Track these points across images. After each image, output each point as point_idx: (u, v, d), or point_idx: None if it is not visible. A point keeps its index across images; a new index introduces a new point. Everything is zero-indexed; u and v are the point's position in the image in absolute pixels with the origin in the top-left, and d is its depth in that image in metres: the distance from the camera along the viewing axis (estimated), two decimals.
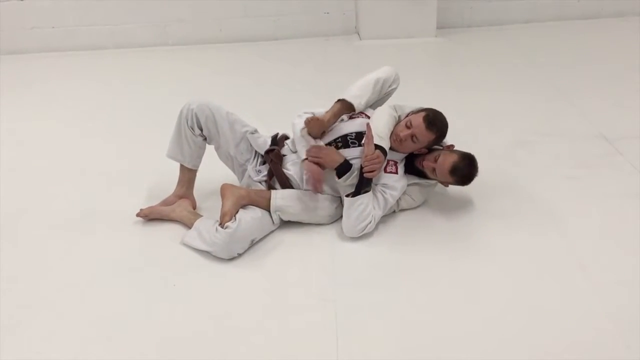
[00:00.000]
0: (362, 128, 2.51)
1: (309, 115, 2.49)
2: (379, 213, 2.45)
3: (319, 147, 2.45)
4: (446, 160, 2.44)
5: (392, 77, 2.60)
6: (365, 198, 2.39)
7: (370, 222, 2.40)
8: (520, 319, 2.03)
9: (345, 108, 2.53)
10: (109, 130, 3.54)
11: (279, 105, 3.62)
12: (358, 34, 4.98)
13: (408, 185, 2.57)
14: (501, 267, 2.27)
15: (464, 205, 2.65)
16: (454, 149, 2.55)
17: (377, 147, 2.39)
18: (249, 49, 4.83)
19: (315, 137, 2.50)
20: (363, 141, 2.46)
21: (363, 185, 2.39)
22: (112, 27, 4.88)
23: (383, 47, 4.70)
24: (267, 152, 2.59)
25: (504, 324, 2.01)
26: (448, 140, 2.62)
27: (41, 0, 4.75)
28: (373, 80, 2.56)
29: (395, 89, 2.63)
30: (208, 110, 2.52)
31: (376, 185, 2.47)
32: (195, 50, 4.83)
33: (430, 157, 2.49)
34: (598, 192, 2.70)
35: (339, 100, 2.54)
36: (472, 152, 2.52)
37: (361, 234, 2.42)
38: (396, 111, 2.56)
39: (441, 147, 2.58)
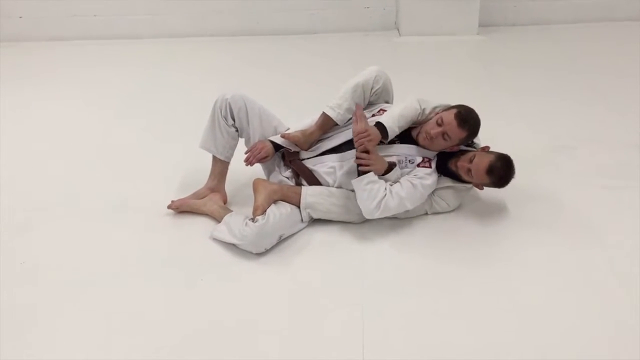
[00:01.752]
0: None
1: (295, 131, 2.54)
2: (402, 194, 2.36)
3: (363, 134, 2.37)
4: (482, 161, 2.38)
5: (371, 79, 2.52)
6: (371, 176, 2.36)
7: (385, 198, 2.33)
8: (553, 333, 1.97)
9: (328, 119, 2.51)
10: (144, 120, 3.56)
11: (314, 101, 3.55)
12: (398, 29, 4.90)
13: (442, 188, 2.51)
14: (533, 278, 2.21)
15: (497, 211, 2.58)
16: (490, 150, 2.48)
17: (378, 125, 2.38)
18: (286, 42, 4.80)
19: (304, 150, 2.56)
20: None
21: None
22: (151, 16, 4.91)
23: (423, 44, 4.62)
24: (282, 153, 2.60)
25: (535, 337, 1.95)
26: (483, 142, 2.56)
27: None
28: (352, 86, 2.51)
29: (380, 88, 2.54)
30: (242, 102, 2.54)
31: (405, 176, 2.42)
32: (232, 42, 4.83)
33: (465, 157, 2.43)
34: (638, 203, 2.60)
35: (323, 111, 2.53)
36: (510, 156, 2.45)
37: (381, 213, 2.35)
38: (420, 104, 2.50)
39: (475, 149, 2.52)
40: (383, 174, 2.41)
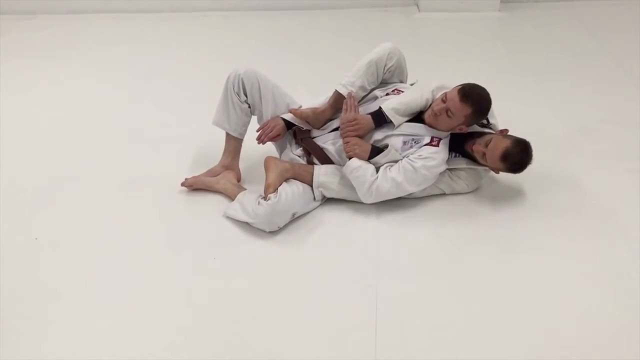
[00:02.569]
0: None
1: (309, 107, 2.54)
2: (398, 178, 2.33)
3: (352, 143, 2.40)
4: (498, 145, 2.31)
5: (384, 56, 2.47)
6: (355, 162, 2.36)
7: (375, 182, 2.33)
8: (570, 321, 1.93)
9: (341, 97, 2.48)
10: (158, 96, 3.53)
11: (330, 78, 3.50)
12: (417, 5, 4.80)
13: (460, 169, 2.47)
14: (551, 265, 2.17)
15: (515, 194, 2.53)
16: (508, 133, 2.41)
17: (375, 113, 2.40)
18: (304, 17, 4.72)
19: (317, 128, 2.55)
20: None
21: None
22: None
23: (442, 20, 4.52)
24: (294, 131, 2.58)
25: (551, 324, 1.92)
26: (503, 124, 2.49)
27: None
28: (365, 63, 2.47)
29: (394, 65, 2.49)
30: (254, 78, 2.52)
31: (409, 156, 2.38)
32: (249, 17, 4.76)
33: (482, 141, 2.36)
34: None
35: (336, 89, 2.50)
36: (529, 138, 2.38)
37: (376, 198, 2.36)
38: (433, 94, 2.45)
39: (493, 131, 2.45)
40: (371, 157, 2.38)
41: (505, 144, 2.31)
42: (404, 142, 2.41)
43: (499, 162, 2.32)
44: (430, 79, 2.53)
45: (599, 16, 4.51)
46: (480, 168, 2.47)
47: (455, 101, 2.30)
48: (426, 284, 2.09)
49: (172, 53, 4.15)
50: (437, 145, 2.40)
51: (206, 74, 3.73)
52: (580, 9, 4.65)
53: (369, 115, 2.42)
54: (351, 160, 2.39)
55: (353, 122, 2.39)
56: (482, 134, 2.42)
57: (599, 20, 4.45)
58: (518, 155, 2.32)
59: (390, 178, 2.34)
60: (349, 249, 2.27)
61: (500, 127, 2.48)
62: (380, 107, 2.41)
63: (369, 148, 2.41)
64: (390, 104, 2.41)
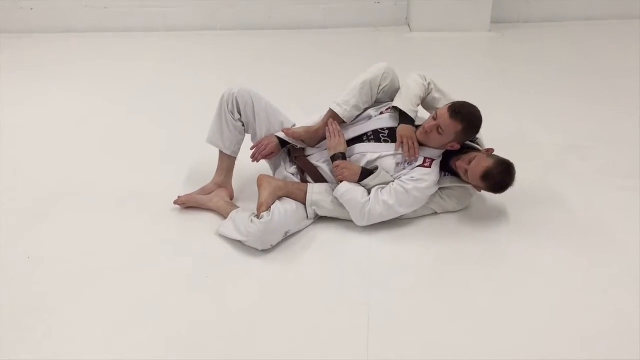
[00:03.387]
0: (395, 123, 2.48)
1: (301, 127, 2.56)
2: (390, 201, 2.35)
3: (341, 167, 2.43)
4: (480, 164, 2.32)
5: (379, 76, 2.50)
6: (345, 186, 2.39)
7: (367, 206, 2.35)
8: (562, 338, 1.94)
9: (335, 116, 2.50)
10: (153, 114, 3.55)
11: (324, 96, 3.53)
12: (409, 25, 4.86)
13: (450, 188, 2.49)
14: (544, 282, 2.17)
15: (506, 213, 2.54)
16: (493, 153, 2.43)
17: (401, 115, 2.44)
18: (297, 36, 4.77)
19: (312, 146, 2.56)
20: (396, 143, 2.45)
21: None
22: (163, 9, 4.90)
23: (434, 40, 4.58)
24: (288, 149, 2.60)
25: (543, 341, 1.93)
26: (493, 140, 2.52)
27: None
28: (360, 82, 2.49)
29: (388, 85, 2.52)
30: (249, 96, 2.54)
31: (401, 177, 2.40)
32: (243, 36, 4.81)
33: (466, 158, 2.38)
34: None
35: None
36: (519, 155, 2.41)
37: (369, 221, 2.39)
38: (425, 79, 2.51)
39: (479, 149, 2.48)
40: (361, 180, 2.41)
41: (487, 163, 2.32)
42: (397, 164, 2.43)
43: (480, 181, 2.34)
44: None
45: (588, 36, 4.59)
46: (469, 186, 2.49)
47: (445, 118, 2.33)
48: (418, 301, 2.10)
49: (167, 71, 4.18)
50: (430, 167, 2.41)
51: (200, 93, 3.76)
52: (569, 29, 4.72)
53: (360, 168, 2.43)
54: (341, 184, 2.41)
55: (340, 167, 2.41)
56: (467, 150, 2.44)
57: (587, 39, 4.52)
58: (499, 176, 2.33)
59: (382, 201, 2.35)
60: (342, 266, 2.27)
61: (487, 145, 2.50)
62: (377, 167, 2.44)
63: (358, 171, 2.42)
64: (399, 102, 2.46)
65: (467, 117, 2.34)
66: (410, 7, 4.79)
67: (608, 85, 3.75)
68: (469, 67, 4.14)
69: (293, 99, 3.26)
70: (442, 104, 2.47)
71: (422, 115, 2.57)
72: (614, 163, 2.89)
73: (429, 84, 2.52)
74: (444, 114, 2.33)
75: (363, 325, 1.99)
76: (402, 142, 2.41)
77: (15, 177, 2.90)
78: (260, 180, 2.45)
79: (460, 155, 2.41)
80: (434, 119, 2.36)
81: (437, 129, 2.34)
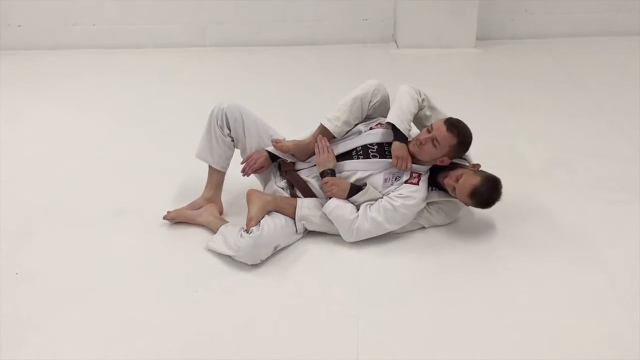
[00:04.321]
0: (384, 139, 2.50)
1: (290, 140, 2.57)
2: (378, 218, 2.37)
3: (330, 184, 2.44)
4: (467, 182, 2.35)
5: (369, 92, 2.53)
6: (333, 203, 2.40)
7: (356, 222, 2.36)
8: (550, 351, 1.95)
9: (326, 131, 2.52)
10: (142, 130, 3.56)
11: (312, 112, 3.57)
12: (395, 42, 4.92)
13: (438, 202, 2.51)
14: (531, 295, 2.19)
15: (494, 227, 2.57)
16: (479, 169, 2.46)
17: (394, 131, 2.43)
18: (286, 53, 4.81)
19: (302, 161, 2.57)
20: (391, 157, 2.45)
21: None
22: (151, 26, 4.92)
23: (420, 56, 4.64)
24: (279, 164, 2.61)
25: (530, 354, 1.94)
26: (481, 155, 2.56)
27: None
28: (351, 98, 2.52)
29: (378, 102, 2.55)
30: (238, 112, 2.55)
31: (389, 194, 2.42)
32: (231, 53, 4.84)
33: (453, 175, 2.41)
34: (638, 218, 2.59)
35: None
36: (506, 170, 2.44)
37: (357, 237, 2.40)
38: (420, 94, 2.53)
39: (466, 165, 2.51)
40: (350, 196, 2.42)
41: (475, 180, 2.35)
42: (385, 180, 2.45)
43: (467, 197, 2.37)
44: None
45: (571, 52, 4.67)
46: (456, 200, 2.51)
47: (442, 130, 2.36)
48: (407, 314, 2.11)
49: (155, 87, 4.19)
50: (417, 184, 2.44)
51: (189, 108, 3.77)
52: (553, 45, 4.80)
53: (349, 184, 2.44)
54: (330, 200, 2.42)
55: (328, 184, 2.42)
56: (455, 167, 2.47)
57: (570, 56, 4.60)
58: (487, 193, 2.37)
59: (371, 218, 2.37)
60: (331, 280, 2.28)
61: (474, 160, 2.54)
62: (366, 183, 2.45)
63: (347, 187, 2.44)
64: (394, 118, 2.45)
65: (462, 131, 2.39)
66: (397, 24, 4.85)
67: (592, 100, 3.82)
68: (454, 82, 4.19)
69: (282, 115, 3.28)
70: (432, 121, 2.50)
71: (414, 131, 2.59)
72: (600, 177, 2.93)
73: (422, 99, 2.55)
74: (441, 127, 2.37)
75: (353, 338, 2.00)
76: (397, 163, 2.42)
77: (4, 193, 2.89)
78: (250, 195, 2.46)
79: (448, 171, 2.44)
80: (429, 131, 2.40)
81: (433, 142, 2.37)
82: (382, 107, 2.58)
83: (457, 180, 2.37)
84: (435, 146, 2.38)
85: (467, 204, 2.45)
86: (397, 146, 2.44)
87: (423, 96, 2.55)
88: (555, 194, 2.78)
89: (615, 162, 3.05)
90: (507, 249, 2.43)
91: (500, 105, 3.79)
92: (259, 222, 2.35)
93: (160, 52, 4.87)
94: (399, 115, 2.46)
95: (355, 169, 2.48)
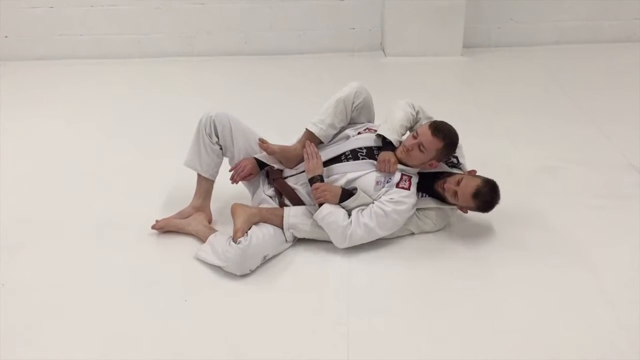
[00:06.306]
0: (373, 143, 2.51)
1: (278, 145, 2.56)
2: (371, 224, 2.36)
3: (321, 190, 2.42)
4: (469, 184, 2.38)
5: (352, 94, 2.55)
6: (326, 209, 2.38)
7: (349, 228, 2.35)
8: (540, 354, 1.95)
9: (312, 136, 2.53)
10: (130, 139, 3.54)
11: (300, 120, 3.57)
12: (383, 50, 4.95)
13: (428, 209, 2.51)
14: (521, 300, 2.20)
15: (484, 232, 2.58)
16: (476, 174, 2.49)
17: (384, 143, 2.45)
18: (273, 62, 4.82)
19: (289, 168, 2.57)
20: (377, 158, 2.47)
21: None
22: (139, 36, 4.92)
23: (408, 64, 4.66)
24: (267, 172, 2.61)
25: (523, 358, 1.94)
26: (469, 162, 2.57)
27: (70, 8, 4.80)
28: (334, 101, 2.54)
29: (361, 103, 2.57)
30: (226, 120, 2.55)
31: (380, 198, 2.42)
32: (219, 62, 4.84)
33: (453, 179, 2.43)
34: (626, 223, 2.61)
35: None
36: (494, 176, 2.46)
37: (350, 243, 2.39)
38: (414, 108, 2.54)
39: (462, 172, 2.53)
40: (341, 201, 2.42)
41: (476, 182, 2.39)
42: (377, 182, 2.45)
43: (471, 199, 2.38)
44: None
45: (557, 60, 4.72)
46: (447, 207, 2.52)
47: (427, 135, 2.37)
48: (398, 322, 2.10)
49: (143, 97, 4.18)
50: (408, 188, 2.44)
51: (177, 118, 3.76)
52: (539, 53, 4.85)
53: (340, 189, 2.44)
54: (322, 207, 2.41)
55: (319, 190, 2.40)
56: (452, 173, 2.49)
57: (556, 63, 4.65)
58: (489, 195, 2.39)
59: (363, 224, 2.37)
60: (321, 288, 2.27)
61: (468, 167, 2.55)
62: (353, 189, 2.45)
63: (339, 192, 2.43)
64: (384, 130, 2.48)
65: (447, 134, 2.40)
66: (384, 33, 4.88)
67: (578, 107, 3.85)
68: (442, 90, 4.21)
69: (270, 124, 3.28)
70: None
71: None
72: (586, 182, 2.95)
73: (417, 112, 2.56)
74: (426, 132, 2.38)
75: (343, 347, 1.99)
76: (381, 166, 2.43)
77: None
78: (234, 208, 2.44)
79: (446, 177, 2.45)
80: (414, 137, 2.41)
81: (419, 147, 2.39)
82: (366, 109, 2.60)
83: (459, 183, 2.39)
84: (422, 151, 2.39)
85: (466, 209, 2.46)
86: (383, 152, 2.45)
87: (417, 109, 2.56)
88: (542, 200, 2.80)
89: (601, 168, 3.08)
90: (495, 255, 2.44)
91: (487, 112, 3.82)
92: (246, 233, 2.34)
93: (148, 62, 4.86)
94: (389, 127, 2.49)
95: (344, 171, 2.48)
